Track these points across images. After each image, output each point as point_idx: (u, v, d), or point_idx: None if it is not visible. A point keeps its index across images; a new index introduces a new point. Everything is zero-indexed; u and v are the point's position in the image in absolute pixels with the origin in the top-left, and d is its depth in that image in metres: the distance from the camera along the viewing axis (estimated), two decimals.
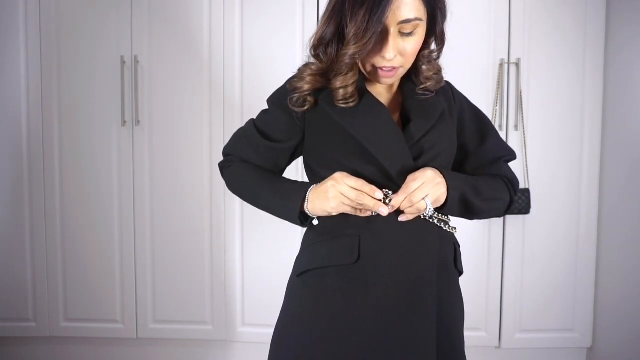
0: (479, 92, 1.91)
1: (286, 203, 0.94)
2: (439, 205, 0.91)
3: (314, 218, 0.94)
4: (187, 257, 2.02)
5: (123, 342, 2.09)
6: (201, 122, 1.98)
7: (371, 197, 0.86)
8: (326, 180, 0.89)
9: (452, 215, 0.96)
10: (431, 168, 0.89)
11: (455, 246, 0.99)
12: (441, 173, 0.90)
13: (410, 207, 0.86)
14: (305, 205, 0.91)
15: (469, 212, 0.95)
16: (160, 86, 1.98)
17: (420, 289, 0.89)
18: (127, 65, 1.96)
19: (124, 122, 1.98)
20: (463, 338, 0.98)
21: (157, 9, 1.95)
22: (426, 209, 0.87)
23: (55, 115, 1.99)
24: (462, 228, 1.82)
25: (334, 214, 0.90)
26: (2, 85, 1.98)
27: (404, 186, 0.87)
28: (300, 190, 0.93)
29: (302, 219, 0.94)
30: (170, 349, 2.09)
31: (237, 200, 1.99)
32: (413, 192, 0.86)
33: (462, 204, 0.93)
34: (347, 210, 0.88)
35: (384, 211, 0.86)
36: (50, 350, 2.10)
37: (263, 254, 2.02)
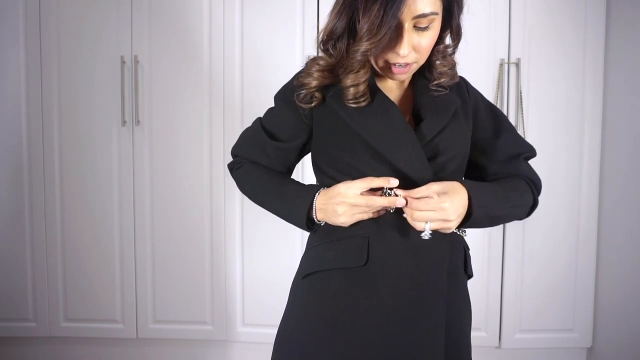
0: None
1: (292, 209, 0.92)
2: (445, 232, 0.87)
3: (321, 223, 0.92)
4: (187, 257, 2.02)
5: (123, 342, 2.09)
6: (201, 122, 1.98)
7: (382, 197, 0.84)
8: (333, 194, 0.86)
9: (476, 227, 0.92)
10: (453, 195, 0.82)
11: (465, 250, 0.96)
12: (468, 193, 0.85)
13: (409, 218, 0.83)
14: (314, 214, 0.90)
15: (494, 223, 0.92)
16: (160, 86, 1.98)
17: (430, 292, 0.87)
18: (127, 65, 1.96)
19: (124, 122, 1.97)
20: (470, 342, 0.96)
21: (157, 9, 1.95)
22: (423, 232, 0.82)
23: (55, 115, 1.99)
24: None
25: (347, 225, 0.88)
26: (2, 85, 1.98)
27: (413, 195, 0.83)
28: (306, 196, 0.91)
29: (309, 224, 0.92)
30: (170, 349, 2.09)
31: (237, 200, 1.99)
32: (418, 211, 0.82)
33: (488, 219, 0.89)
34: (361, 218, 0.87)
35: (402, 202, 0.84)
36: (50, 350, 2.10)
37: (263, 254, 2.02)
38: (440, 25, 0.85)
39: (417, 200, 0.82)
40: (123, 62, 1.95)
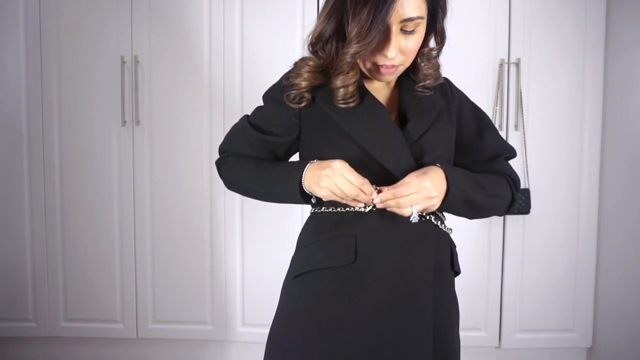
0: (479, 92, 1.91)
1: (285, 182, 0.92)
2: (430, 210, 0.89)
3: (313, 196, 0.92)
4: (187, 257, 2.02)
5: (123, 342, 2.09)
6: (201, 122, 1.98)
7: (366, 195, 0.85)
8: (324, 165, 0.87)
9: (455, 213, 0.94)
10: (431, 174, 0.86)
11: (452, 247, 0.98)
12: (444, 172, 0.87)
13: (396, 207, 0.85)
14: (303, 182, 0.89)
15: (471, 210, 0.94)
16: (160, 86, 1.98)
17: (417, 288, 0.88)
18: (127, 65, 1.96)
19: (124, 122, 1.98)
20: (459, 338, 0.97)
21: (157, 9, 1.95)
22: (411, 216, 0.84)
23: (55, 115, 1.99)
24: (462, 228, 1.82)
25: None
26: (2, 85, 1.98)
27: (397, 186, 0.85)
28: (298, 167, 0.91)
29: (304, 196, 0.92)
30: (170, 349, 2.09)
31: (237, 200, 1.99)
32: (403, 197, 0.84)
33: (465, 202, 0.91)
34: (336, 199, 0.87)
35: (377, 201, 0.86)
36: (50, 350, 2.10)
37: (263, 254, 2.02)
38: (425, 29, 0.87)
39: (400, 187, 0.84)
40: (123, 62, 1.95)
